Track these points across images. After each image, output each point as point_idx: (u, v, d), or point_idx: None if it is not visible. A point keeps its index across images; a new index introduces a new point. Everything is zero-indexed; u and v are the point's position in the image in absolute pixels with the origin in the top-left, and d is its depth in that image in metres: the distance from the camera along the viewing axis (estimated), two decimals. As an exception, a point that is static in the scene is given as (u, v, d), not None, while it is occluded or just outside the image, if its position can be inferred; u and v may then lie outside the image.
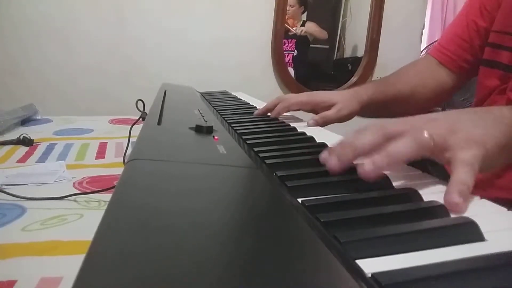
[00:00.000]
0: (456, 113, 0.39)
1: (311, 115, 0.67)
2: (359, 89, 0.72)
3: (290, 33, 2.25)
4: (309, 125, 0.64)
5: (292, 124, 0.60)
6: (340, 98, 0.68)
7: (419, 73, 0.78)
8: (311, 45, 2.42)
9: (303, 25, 2.33)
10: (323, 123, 0.64)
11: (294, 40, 2.27)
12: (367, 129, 0.36)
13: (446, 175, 0.36)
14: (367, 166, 0.31)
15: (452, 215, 0.28)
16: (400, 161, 0.32)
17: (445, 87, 0.77)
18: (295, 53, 2.27)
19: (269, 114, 0.69)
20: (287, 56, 2.24)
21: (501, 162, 0.36)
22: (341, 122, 0.68)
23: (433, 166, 0.35)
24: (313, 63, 2.45)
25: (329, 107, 0.67)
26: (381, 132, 0.35)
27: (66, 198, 0.52)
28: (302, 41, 2.34)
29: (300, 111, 0.70)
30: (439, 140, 0.33)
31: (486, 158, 0.33)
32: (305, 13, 2.34)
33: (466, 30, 0.73)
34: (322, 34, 2.39)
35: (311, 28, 2.34)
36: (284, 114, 0.68)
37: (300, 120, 0.68)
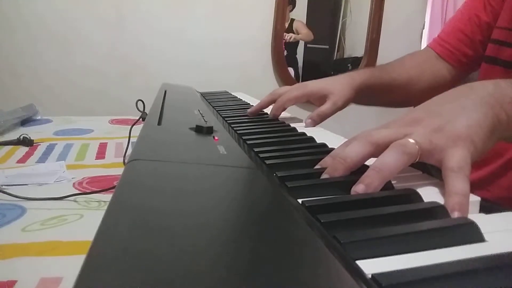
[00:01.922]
0: (438, 104, 0.38)
1: (310, 113, 0.66)
2: (353, 73, 0.70)
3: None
4: (306, 125, 0.62)
5: (292, 125, 0.60)
6: (334, 86, 0.66)
7: (417, 65, 0.76)
8: (311, 45, 2.42)
9: (290, 23, 2.33)
10: (320, 121, 0.63)
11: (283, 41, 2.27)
12: (354, 139, 0.36)
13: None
14: (359, 188, 0.31)
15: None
16: (390, 175, 0.32)
17: (442, 81, 0.75)
18: (285, 53, 2.27)
19: (265, 111, 0.69)
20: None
21: (491, 145, 0.35)
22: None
23: (433, 166, 0.34)
24: (312, 63, 2.45)
25: (323, 97, 0.65)
26: (367, 140, 0.35)
27: (66, 199, 0.52)
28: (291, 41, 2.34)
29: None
30: (425, 143, 0.33)
31: (475, 151, 0.33)
32: (293, 11, 2.33)
33: (468, 24, 0.72)
34: (308, 36, 2.39)
35: (299, 36, 2.36)
36: (283, 115, 0.68)
37: (300, 121, 0.68)
